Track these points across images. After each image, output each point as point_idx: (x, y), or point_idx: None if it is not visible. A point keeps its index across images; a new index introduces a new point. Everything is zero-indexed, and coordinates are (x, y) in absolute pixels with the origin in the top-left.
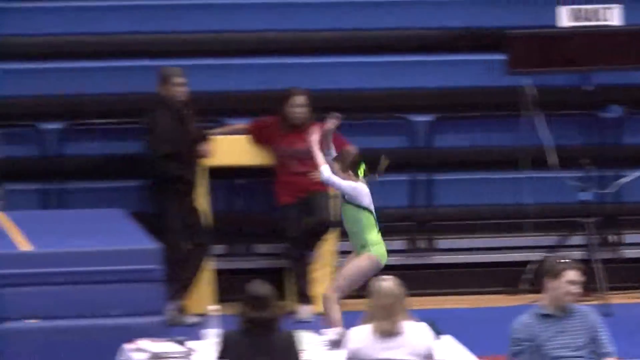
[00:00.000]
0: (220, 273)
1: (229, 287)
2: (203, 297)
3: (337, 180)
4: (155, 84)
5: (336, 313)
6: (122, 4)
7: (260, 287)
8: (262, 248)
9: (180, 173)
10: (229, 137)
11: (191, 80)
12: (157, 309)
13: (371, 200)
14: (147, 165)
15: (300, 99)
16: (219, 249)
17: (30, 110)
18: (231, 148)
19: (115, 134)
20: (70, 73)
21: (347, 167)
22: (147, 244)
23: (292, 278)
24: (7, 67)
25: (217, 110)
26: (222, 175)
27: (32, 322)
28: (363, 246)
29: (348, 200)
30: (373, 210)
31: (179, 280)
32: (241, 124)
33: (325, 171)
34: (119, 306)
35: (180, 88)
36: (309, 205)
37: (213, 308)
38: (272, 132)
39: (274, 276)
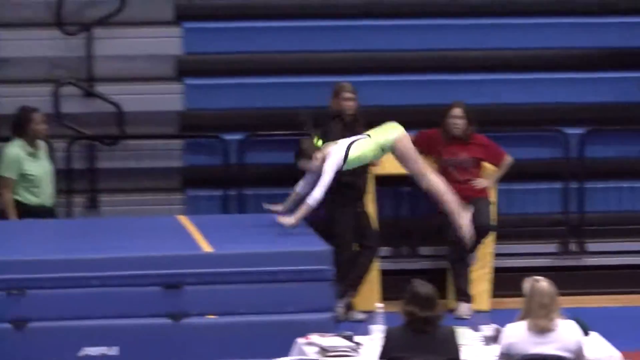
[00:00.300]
0: (385, 273)
1: (394, 286)
2: (370, 296)
3: (329, 168)
4: (328, 98)
5: None
6: (300, 25)
7: (424, 287)
8: (425, 250)
9: (351, 180)
10: None
11: (362, 94)
12: (327, 306)
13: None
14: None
15: (457, 111)
16: (385, 251)
17: (215, 122)
18: None
19: (291, 145)
20: (251, 88)
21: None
22: (319, 246)
23: (452, 278)
24: (195, 82)
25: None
26: (388, 182)
27: (212, 318)
28: None
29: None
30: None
31: (347, 279)
32: None
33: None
34: (292, 304)
35: (349, 102)
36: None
37: (378, 306)
38: (435, 143)
39: (436, 276)
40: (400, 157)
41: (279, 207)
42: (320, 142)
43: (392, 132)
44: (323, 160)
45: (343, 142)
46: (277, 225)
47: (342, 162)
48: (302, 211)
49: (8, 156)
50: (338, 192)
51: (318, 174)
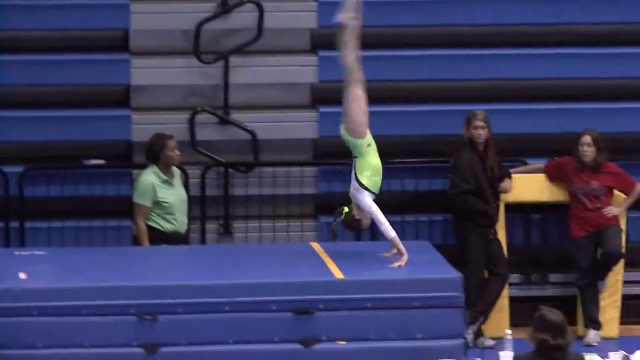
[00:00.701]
0: (515, 300)
1: (523, 313)
2: (499, 322)
3: (368, 207)
4: (460, 126)
5: None
6: (432, 53)
7: (554, 314)
8: (554, 277)
9: (482, 208)
10: (527, 175)
11: (495, 122)
12: (457, 333)
13: None
14: (451, 200)
15: (587, 139)
16: (514, 277)
17: (346, 149)
18: (529, 185)
19: (424, 172)
20: (387, 117)
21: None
22: (449, 273)
23: (581, 305)
24: (330, 110)
25: (517, 151)
26: (519, 209)
27: (342, 344)
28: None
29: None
30: None
31: (477, 306)
32: (539, 163)
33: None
34: (422, 330)
35: (480, 130)
36: (601, 238)
37: (508, 332)
38: (566, 170)
39: (565, 303)
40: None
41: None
42: (347, 209)
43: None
44: (360, 210)
45: (352, 184)
46: (409, 252)
47: (369, 193)
48: (399, 246)
49: (142, 184)
50: (470, 219)
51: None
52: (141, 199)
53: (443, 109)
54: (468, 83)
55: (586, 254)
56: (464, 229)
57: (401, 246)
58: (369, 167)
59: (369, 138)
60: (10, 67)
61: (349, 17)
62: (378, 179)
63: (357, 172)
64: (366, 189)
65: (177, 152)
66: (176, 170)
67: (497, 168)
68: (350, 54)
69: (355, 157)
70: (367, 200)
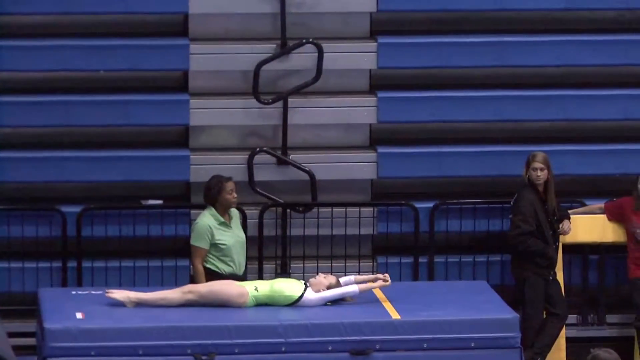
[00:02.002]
0: (572, 340)
1: (580, 354)
2: None
3: None
4: (519, 167)
5: None
6: (493, 94)
7: (609, 354)
8: (612, 318)
9: (542, 249)
10: (585, 216)
11: (555, 163)
12: None
13: None
14: (511, 241)
15: None
16: (572, 318)
17: (405, 189)
18: (587, 226)
19: (483, 212)
20: (442, 157)
21: None
22: (507, 313)
23: (639, 345)
24: (388, 151)
25: (576, 192)
26: (577, 250)
27: None
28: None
29: None
30: None
31: (535, 347)
32: (597, 204)
33: None
34: None
35: (539, 172)
36: None
37: None
38: (625, 210)
39: (622, 344)
40: None
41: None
42: None
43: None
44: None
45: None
46: (467, 292)
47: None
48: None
49: (199, 226)
50: (529, 260)
51: None
52: (198, 242)
53: (503, 149)
54: (528, 124)
55: None
56: (523, 269)
57: (369, 284)
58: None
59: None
60: (72, 108)
61: None
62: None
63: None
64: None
65: (235, 195)
66: (235, 212)
67: (557, 209)
68: None
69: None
70: (315, 297)
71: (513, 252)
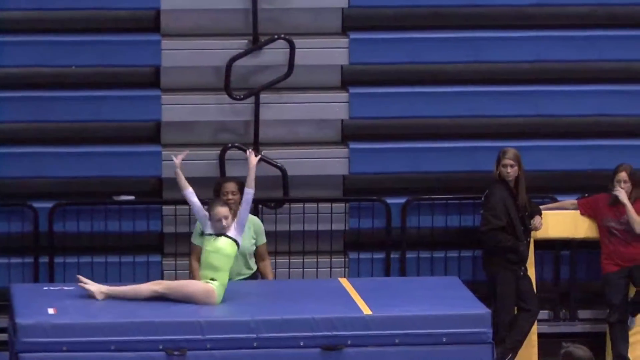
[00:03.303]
0: (544, 336)
1: (552, 349)
2: (528, 358)
3: None
4: (490, 162)
5: None
6: (469, 90)
7: (581, 351)
8: (584, 313)
9: (513, 245)
10: (556, 212)
11: (526, 159)
12: None
13: None
14: (483, 236)
15: (623, 175)
16: (543, 313)
17: (378, 185)
18: (558, 222)
19: (454, 208)
20: (414, 152)
21: None
22: (479, 308)
23: (611, 341)
24: (360, 146)
25: (548, 188)
26: (548, 246)
27: None
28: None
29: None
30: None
31: (506, 342)
32: (569, 200)
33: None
34: None
35: (510, 168)
36: (634, 274)
37: None
38: (600, 206)
39: (594, 339)
40: None
41: None
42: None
43: None
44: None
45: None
46: (438, 288)
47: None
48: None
49: (197, 224)
50: (500, 255)
51: None
52: (193, 239)
53: (476, 145)
54: (501, 120)
55: (618, 290)
56: (494, 265)
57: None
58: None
59: None
60: (44, 103)
61: None
62: None
63: None
64: None
65: (231, 197)
66: (249, 220)
67: (528, 205)
68: None
69: None
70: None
71: (484, 248)
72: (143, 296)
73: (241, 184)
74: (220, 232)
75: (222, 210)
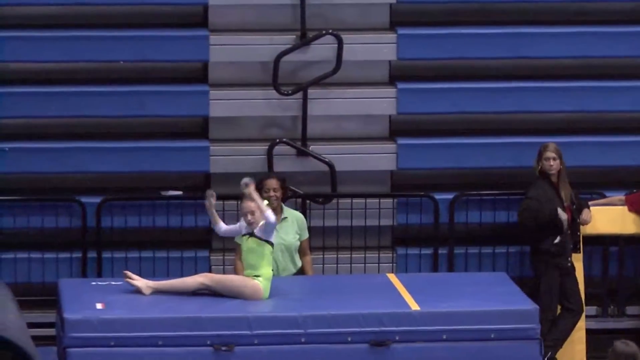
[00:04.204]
0: (592, 332)
1: (600, 346)
2: (575, 355)
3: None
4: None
5: None
6: (508, 86)
7: (627, 347)
8: (631, 310)
9: (550, 214)
10: (605, 207)
11: (574, 155)
12: None
13: None
14: (527, 233)
15: None
16: (591, 310)
17: (424, 181)
18: (607, 218)
19: (502, 204)
20: (462, 148)
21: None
22: (527, 304)
23: None
24: (408, 142)
25: (596, 184)
26: (596, 242)
27: None
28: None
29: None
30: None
31: (547, 340)
32: (617, 196)
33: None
34: None
35: (552, 161)
36: None
37: None
38: None
39: None
40: None
41: None
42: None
43: None
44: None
45: None
46: (486, 284)
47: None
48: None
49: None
50: (544, 251)
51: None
52: (236, 238)
53: (522, 141)
54: (547, 115)
55: None
56: (540, 260)
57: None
58: None
59: None
60: (92, 99)
61: None
62: None
63: None
64: None
65: (273, 194)
66: (294, 216)
67: (575, 199)
68: None
69: None
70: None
71: (530, 244)
72: (190, 289)
73: (283, 180)
74: (251, 228)
75: (247, 205)
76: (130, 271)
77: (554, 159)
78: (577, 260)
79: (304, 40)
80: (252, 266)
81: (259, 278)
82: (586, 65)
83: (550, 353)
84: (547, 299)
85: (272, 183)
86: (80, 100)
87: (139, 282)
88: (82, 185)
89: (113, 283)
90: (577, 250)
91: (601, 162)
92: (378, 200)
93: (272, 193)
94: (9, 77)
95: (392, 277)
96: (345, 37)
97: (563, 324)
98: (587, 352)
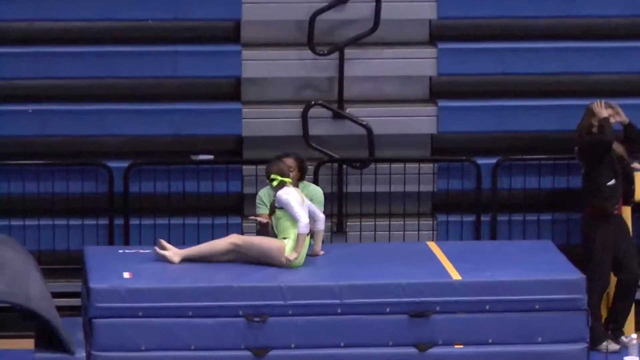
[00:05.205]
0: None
1: None
2: (625, 326)
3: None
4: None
5: None
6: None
7: None
8: None
9: (612, 207)
10: None
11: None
12: (580, 337)
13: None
14: (578, 198)
15: None
16: None
17: (466, 145)
18: None
19: (547, 169)
20: (505, 111)
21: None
22: (573, 274)
23: None
24: (449, 104)
25: None
26: None
27: (459, 348)
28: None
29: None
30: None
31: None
32: None
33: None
34: (543, 334)
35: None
36: None
37: (634, 337)
38: None
39: None
40: None
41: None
42: None
43: None
44: None
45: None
46: (530, 253)
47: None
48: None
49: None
50: (597, 218)
51: None
52: (262, 208)
53: (568, 103)
54: (595, 77)
55: None
56: (593, 228)
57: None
58: None
59: None
60: (120, 59)
61: None
62: None
63: None
64: None
65: (293, 173)
66: (309, 193)
67: (627, 157)
68: None
69: None
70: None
71: (581, 211)
72: (220, 252)
73: (300, 160)
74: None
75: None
76: (159, 238)
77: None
78: (626, 214)
79: None
80: (282, 232)
81: (287, 240)
82: (635, 25)
83: (607, 321)
84: (601, 267)
85: (289, 162)
86: (107, 60)
87: (168, 251)
88: (109, 149)
89: (141, 251)
90: (628, 203)
91: None
92: (418, 165)
93: (293, 172)
94: (32, 35)
95: (432, 245)
96: None
97: (622, 290)
98: (637, 324)
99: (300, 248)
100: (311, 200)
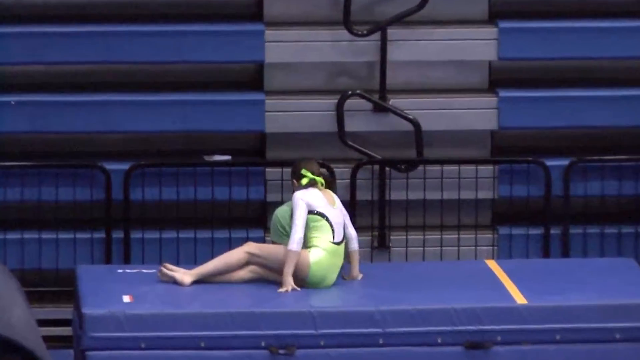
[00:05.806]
0: None
1: None
2: None
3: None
4: None
5: None
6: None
7: None
8: None
9: None
10: None
11: None
12: None
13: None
14: None
15: None
16: None
17: (533, 143)
18: None
19: (629, 172)
20: (575, 103)
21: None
22: None
23: None
24: (512, 95)
25: None
26: None
27: None
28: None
29: None
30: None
31: None
32: None
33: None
34: None
35: None
36: None
37: None
38: None
39: None
40: None
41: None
42: None
43: None
44: None
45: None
46: (607, 272)
47: None
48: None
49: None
50: None
51: None
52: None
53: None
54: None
55: None
56: None
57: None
58: None
59: None
60: (114, 41)
61: None
62: None
63: None
64: None
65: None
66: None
67: None
68: None
69: None
70: None
71: None
72: (236, 263)
73: (324, 166)
74: None
75: None
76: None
77: None
78: None
79: None
80: (305, 242)
81: (311, 249)
82: None
83: None
84: None
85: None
86: (105, 41)
87: (177, 273)
88: (106, 148)
89: (144, 271)
90: None
91: None
92: (475, 168)
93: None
94: (15, 13)
95: (492, 264)
96: None
97: None
98: None
99: (290, 268)
100: None
